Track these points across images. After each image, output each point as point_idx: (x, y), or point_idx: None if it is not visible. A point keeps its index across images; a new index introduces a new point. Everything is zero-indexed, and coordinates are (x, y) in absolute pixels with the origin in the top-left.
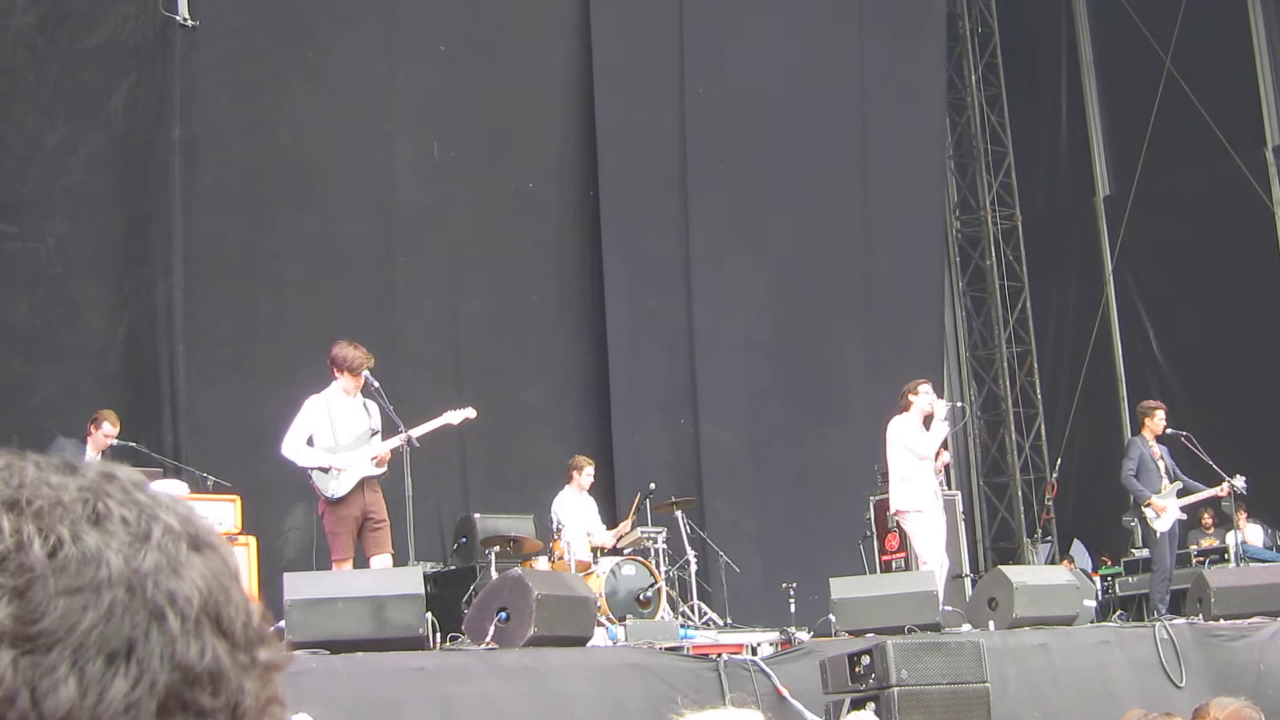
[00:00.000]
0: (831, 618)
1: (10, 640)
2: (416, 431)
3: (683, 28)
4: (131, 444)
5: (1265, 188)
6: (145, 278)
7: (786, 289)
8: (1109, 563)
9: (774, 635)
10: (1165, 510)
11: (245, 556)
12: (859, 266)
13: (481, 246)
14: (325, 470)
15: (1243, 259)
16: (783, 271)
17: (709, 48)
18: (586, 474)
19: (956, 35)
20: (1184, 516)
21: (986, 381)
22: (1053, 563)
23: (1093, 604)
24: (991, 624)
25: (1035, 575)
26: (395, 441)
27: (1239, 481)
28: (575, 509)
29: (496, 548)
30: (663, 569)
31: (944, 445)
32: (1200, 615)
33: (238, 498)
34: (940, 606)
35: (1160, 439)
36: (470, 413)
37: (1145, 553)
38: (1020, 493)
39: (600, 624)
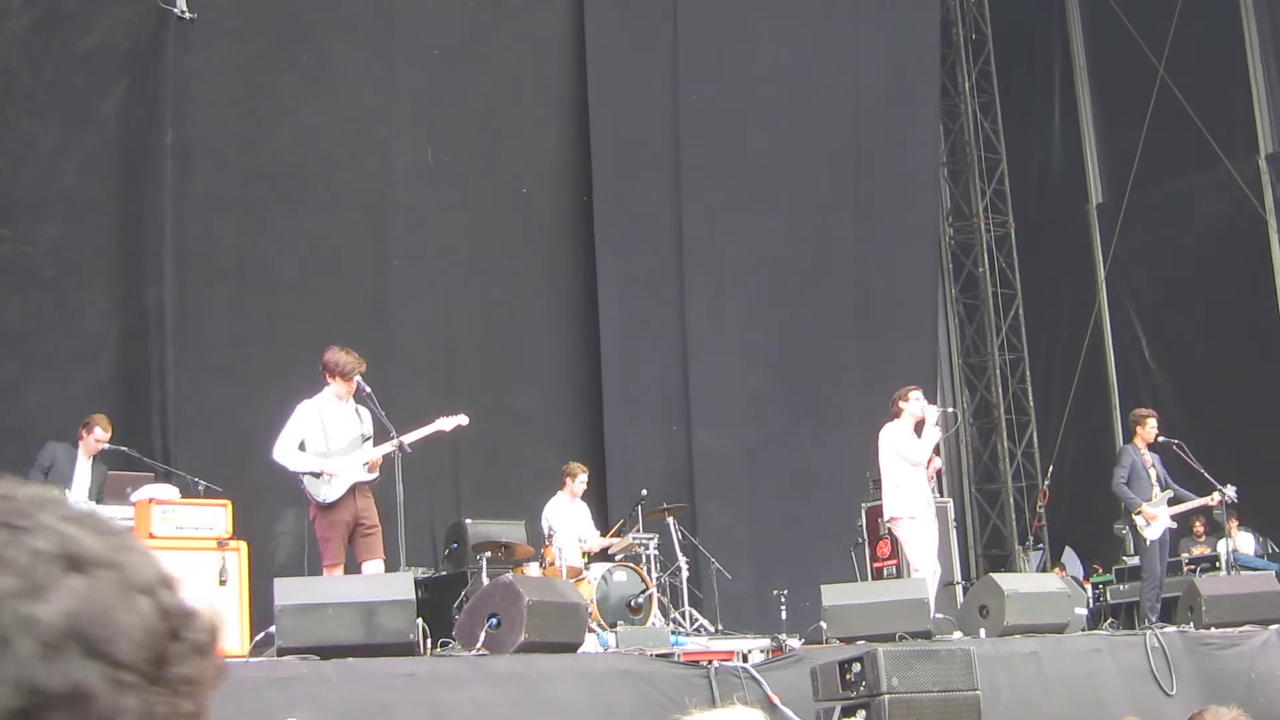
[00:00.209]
0: (822, 625)
1: None
2: (408, 437)
3: (677, 33)
4: (123, 448)
5: (1258, 195)
6: (137, 282)
7: (780, 295)
8: (1100, 570)
9: (765, 642)
10: (1156, 518)
11: (236, 562)
12: (852, 273)
13: (475, 250)
14: (317, 475)
15: (1236, 267)
16: (776, 277)
17: (703, 52)
18: (580, 481)
19: (950, 42)
20: (1174, 525)
21: (979, 388)
22: (1044, 570)
23: (1084, 612)
24: (983, 631)
25: (1026, 583)
26: (387, 447)
27: (1230, 491)
28: (567, 515)
29: (488, 553)
30: (654, 575)
31: (936, 451)
32: (1191, 623)
33: (229, 502)
34: (931, 614)
35: (1152, 447)
36: (463, 419)
37: (1137, 560)
38: (1012, 500)
39: (591, 630)
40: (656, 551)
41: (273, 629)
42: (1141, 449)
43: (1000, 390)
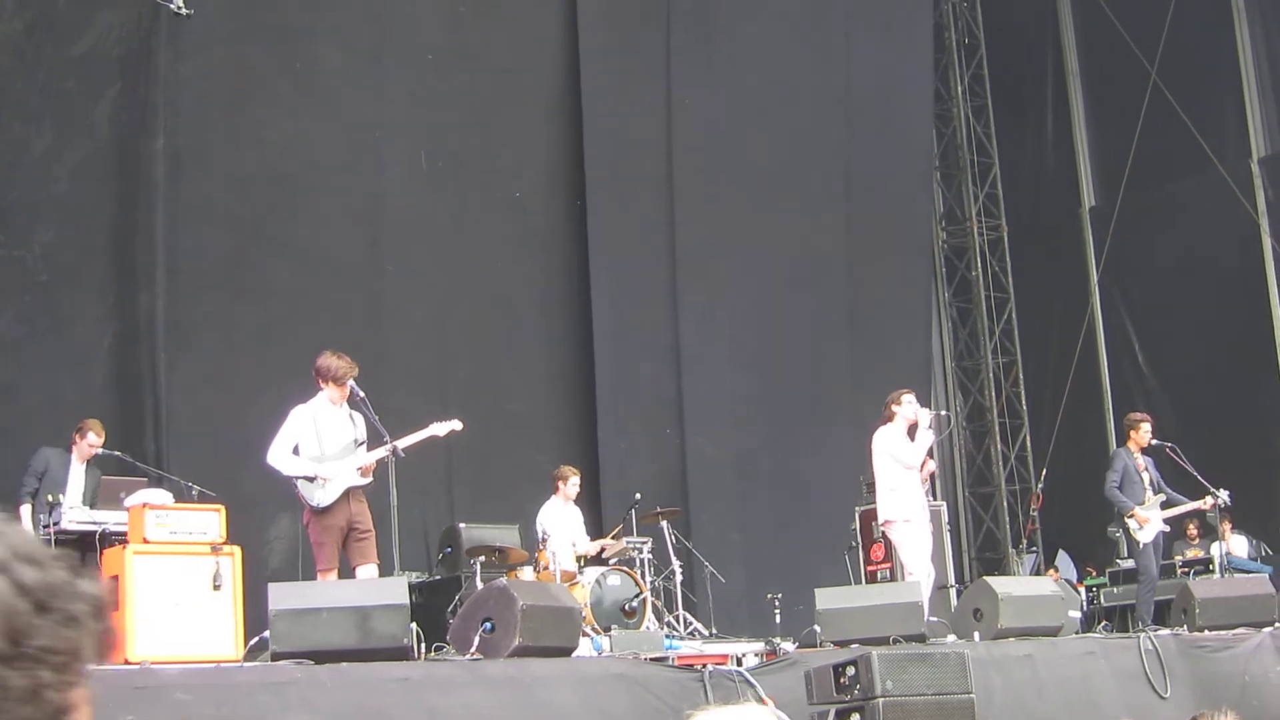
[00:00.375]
0: (816, 628)
1: None
2: (402, 442)
3: (669, 38)
4: (116, 453)
5: (1250, 199)
6: (130, 287)
7: (773, 299)
8: (1094, 573)
9: (759, 646)
10: (1148, 521)
11: (230, 567)
12: (845, 277)
13: (468, 255)
14: (311, 480)
15: (1228, 270)
16: (769, 281)
17: (696, 57)
18: (572, 484)
19: (943, 46)
20: (1167, 528)
21: (972, 392)
22: (1038, 573)
23: (1078, 615)
24: (976, 635)
25: (1020, 586)
26: (381, 452)
27: (1223, 495)
28: (561, 519)
29: (482, 558)
30: (648, 579)
31: (929, 454)
32: (1185, 626)
33: (222, 508)
34: (925, 617)
35: (1146, 450)
36: (456, 425)
37: (1130, 564)
38: (1005, 503)
39: (585, 634)
40: (650, 555)
41: (267, 634)
42: (1135, 453)
43: (993, 394)
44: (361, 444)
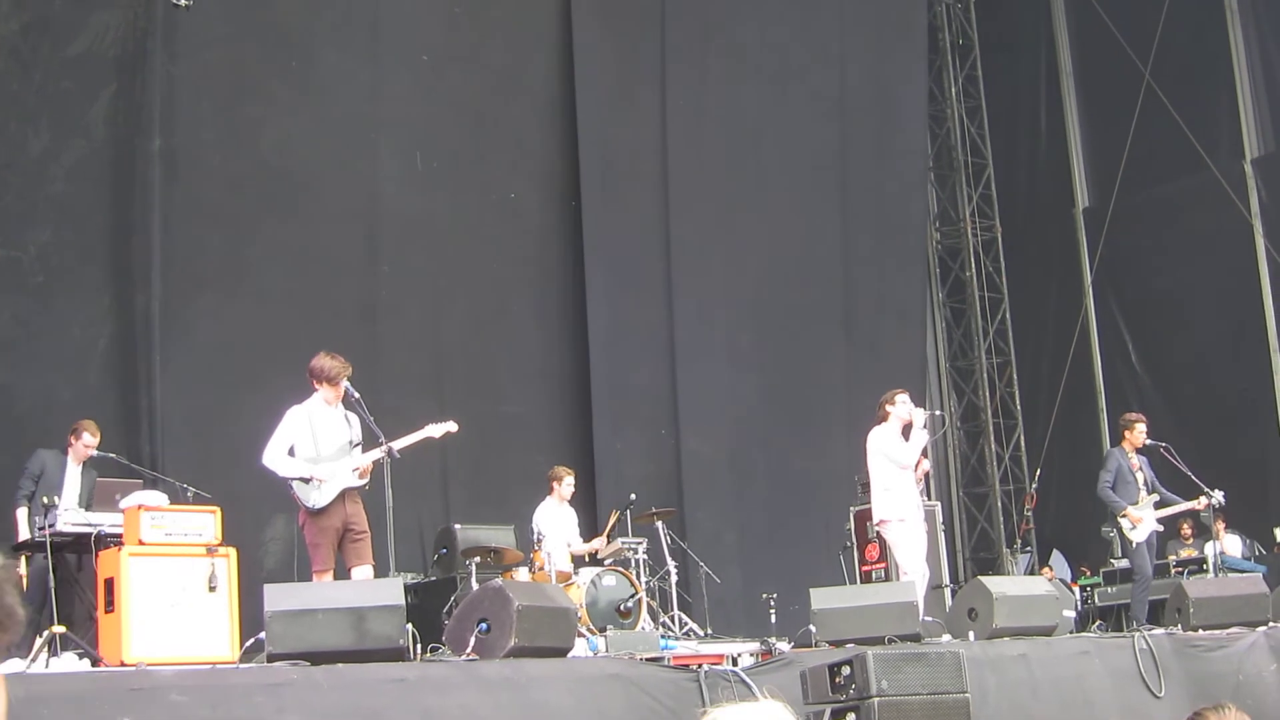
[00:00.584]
0: (812, 628)
1: None
2: (397, 444)
3: (664, 39)
4: (111, 455)
5: (1244, 199)
6: (126, 288)
7: (767, 300)
8: (1088, 573)
9: (754, 646)
10: (1141, 521)
11: (225, 568)
12: (840, 278)
13: (464, 256)
14: (306, 481)
15: (1222, 271)
16: (764, 282)
17: (690, 58)
18: (567, 485)
19: (937, 47)
20: (1161, 528)
21: (966, 392)
22: (1032, 573)
23: (1072, 614)
24: (971, 634)
25: (1015, 586)
26: (376, 453)
27: (1217, 496)
28: (556, 520)
29: (477, 558)
30: (643, 580)
31: (924, 453)
32: (1179, 626)
33: (218, 509)
34: (920, 617)
35: (1140, 450)
36: (451, 426)
37: (1124, 563)
38: (1000, 503)
39: (581, 635)
40: (645, 556)
41: (263, 635)
42: (1129, 452)
43: (987, 394)
44: (357, 445)
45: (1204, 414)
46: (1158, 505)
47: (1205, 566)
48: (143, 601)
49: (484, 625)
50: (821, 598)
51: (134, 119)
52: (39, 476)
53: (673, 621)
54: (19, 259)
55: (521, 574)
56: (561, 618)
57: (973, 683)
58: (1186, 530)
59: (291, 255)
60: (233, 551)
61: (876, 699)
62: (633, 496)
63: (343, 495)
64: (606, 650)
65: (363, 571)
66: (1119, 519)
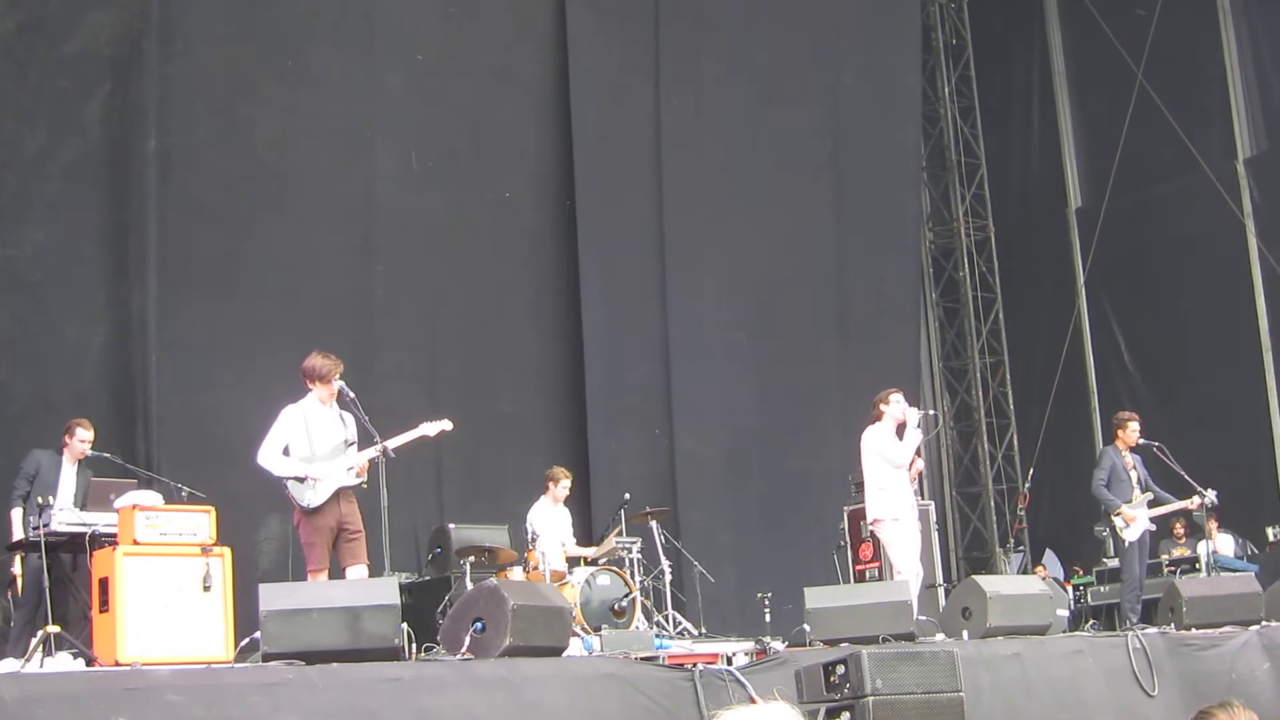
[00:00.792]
0: (806, 627)
1: None
2: (392, 443)
3: (658, 38)
4: (105, 455)
5: (1236, 200)
6: (121, 287)
7: (762, 299)
8: (1081, 572)
9: (749, 645)
10: (1135, 520)
11: (220, 568)
12: (834, 277)
13: (459, 255)
14: (301, 480)
15: (1214, 271)
16: (758, 282)
17: (685, 58)
18: (563, 486)
19: (930, 47)
20: (1153, 527)
21: (959, 392)
22: (1025, 572)
23: (1065, 613)
24: (965, 633)
25: (1009, 585)
26: (371, 452)
27: (1209, 495)
28: (550, 520)
29: (471, 558)
30: (637, 579)
31: (917, 453)
32: (1172, 624)
33: (212, 509)
34: (914, 616)
35: (1133, 449)
36: (446, 425)
37: (1117, 562)
38: (993, 502)
39: (575, 634)
40: (640, 555)
41: (258, 634)
42: (1122, 451)
43: (980, 393)
44: (352, 444)
45: (1196, 413)
46: (1151, 504)
47: (1198, 565)
48: (137, 601)
49: (479, 624)
50: (816, 597)
51: (129, 118)
52: (34, 476)
53: (667, 621)
54: (14, 258)
55: (516, 573)
56: (556, 617)
57: (967, 682)
58: (1179, 529)
59: (287, 254)
60: (227, 551)
61: (871, 698)
62: (627, 496)
63: (337, 495)
64: (601, 650)
65: (357, 571)
66: (1113, 517)
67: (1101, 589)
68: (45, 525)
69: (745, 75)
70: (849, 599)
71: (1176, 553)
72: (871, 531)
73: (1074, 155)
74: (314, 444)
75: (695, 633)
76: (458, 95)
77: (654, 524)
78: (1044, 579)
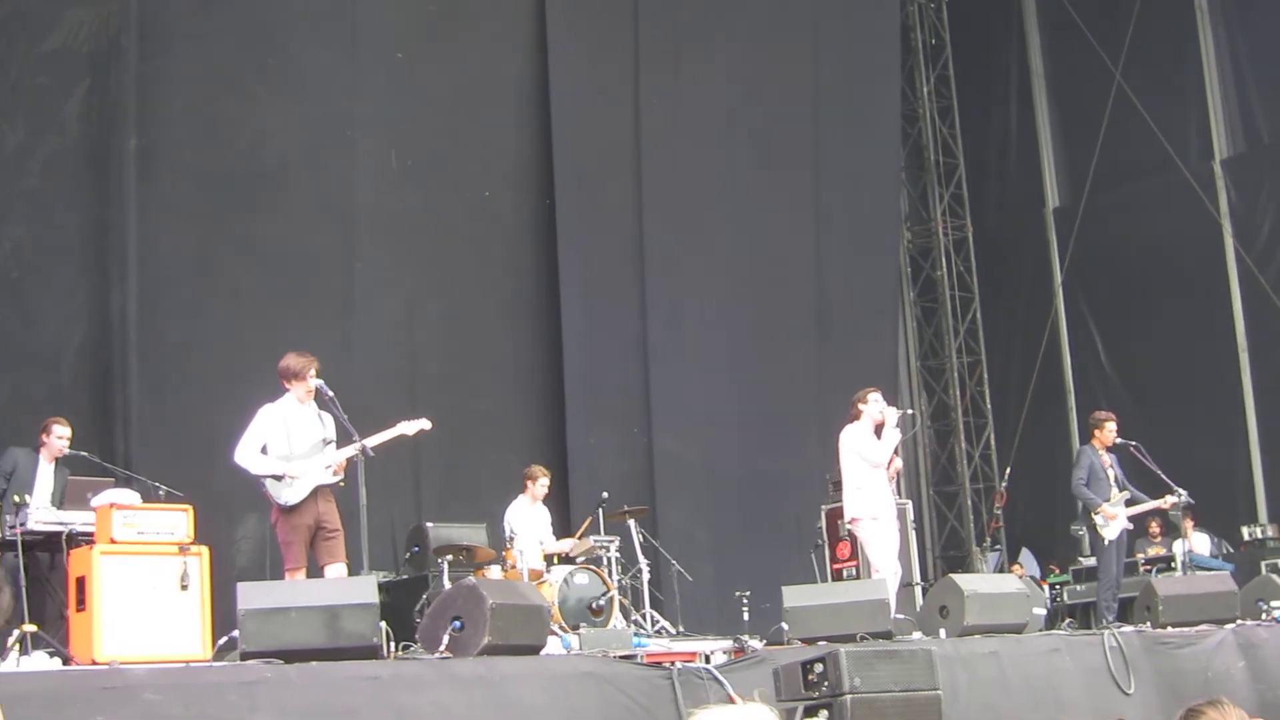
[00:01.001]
0: (784, 626)
1: None
2: (371, 441)
3: (638, 38)
4: (83, 454)
5: (1213, 200)
6: (100, 285)
7: (740, 298)
8: (1057, 571)
9: (727, 643)
10: (1115, 517)
11: (198, 566)
12: (812, 277)
13: (438, 254)
14: (279, 478)
15: (1191, 270)
16: (736, 281)
17: (664, 58)
18: (541, 484)
19: (909, 47)
20: (1130, 526)
21: (937, 391)
22: (1001, 571)
23: (1042, 612)
24: (942, 632)
25: (986, 583)
26: (350, 450)
27: (1183, 495)
28: (528, 518)
29: (449, 557)
30: (615, 578)
31: (896, 452)
32: (1148, 623)
33: (190, 507)
34: (892, 614)
35: (1110, 449)
36: (425, 424)
37: (1093, 561)
38: (970, 501)
39: (554, 633)
40: (618, 554)
41: (236, 633)
42: (1100, 451)
43: (958, 393)
44: (330, 443)
45: (1172, 413)
46: (1128, 503)
47: (1174, 564)
48: (114, 600)
49: (458, 623)
50: (794, 595)
51: (109, 115)
52: (10, 474)
53: (645, 619)
54: None
55: (494, 572)
56: (535, 615)
57: (944, 680)
58: (1155, 529)
59: (267, 253)
60: (205, 550)
61: (849, 696)
62: (605, 495)
63: (315, 493)
64: (580, 648)
65: (336, 570)
66: (1093, 515)
67: (1078, 587)
68: (22, 524)
69: (724, 75)
70: (827, 598)
71: (1152, 552)
72: (849, 530)
73: (1052, 155)
74: (292, 443)
75: (673, 631)
76: (438, 94)
77: (632, 522)
78: (1021, 577)
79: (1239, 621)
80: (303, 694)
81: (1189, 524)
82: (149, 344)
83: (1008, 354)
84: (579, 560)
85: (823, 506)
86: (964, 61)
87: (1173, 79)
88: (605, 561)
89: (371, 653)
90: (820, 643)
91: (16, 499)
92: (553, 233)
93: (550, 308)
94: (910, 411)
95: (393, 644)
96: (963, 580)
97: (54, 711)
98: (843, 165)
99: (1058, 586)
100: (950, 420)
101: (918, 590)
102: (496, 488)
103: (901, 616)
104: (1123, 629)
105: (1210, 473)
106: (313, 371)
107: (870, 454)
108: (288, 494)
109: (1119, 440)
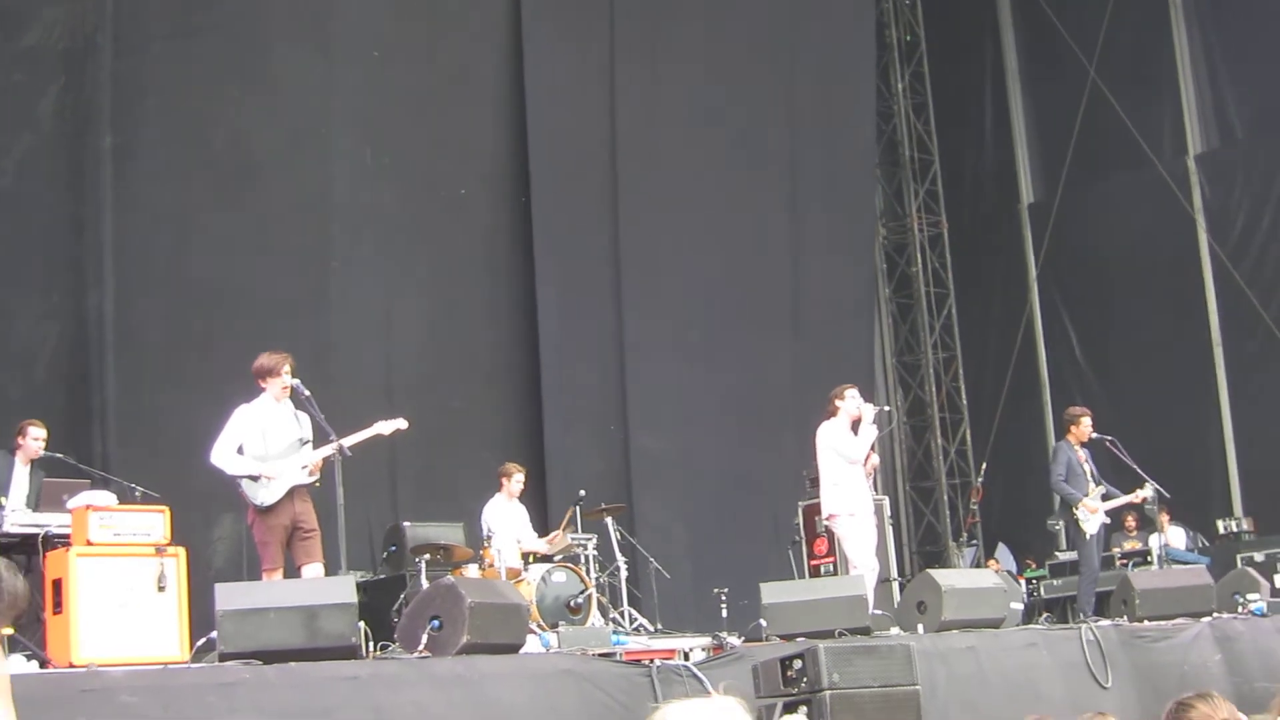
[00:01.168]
0: (762, 622)
1: None
2: (348, 440)
3: (613, 36)
4: (59, 455)
5: (1187, 195)
6: (76, 285)
7: (717, 296)
8: (1033, 565)
9: (706, 640)
10: (1096, 512)
11: (174, 568)
12: (789, 274)
13: (414, 252)
14: (255, 478)
15: (1165, 266)
16: (712, 279)
17: (639, 55)
18: (516, 481)
19: (884, 44)
20: (1108, 520)
21: (912, 387)
22: (978, 566)
23: (1019, 607)
24: (920, 627)
25: (963, 579)
26: (327, 450)
27: (1150, 487)
28: (505, 516)
29: (426, 556)
30: (593, 575)
31: (872, 448)
32: (1125, 617)
33: (167, 509)
34: (870, 610)
35: (1085, 444)
36: (401, 423)
37: (1070, 555)
38: (946, 497)
39: (532, 631)
40: (595, 552)
41: (214, 634)
42: (1075, 446)
43: (934, 388)
44: (306, 443)
45: (1147, 407)
46: (1104, 498)
47: (1150, 558)
48: (91, 602)
49: (436, 622)
50: (771, 592)
51: (84, 113)
52: None
53: (623, 617)
54: None
55: (471, 571)
56: (513, 614)
57: (923, 675)
58: (1131, 523)
59: (243, 251)
60: (182, 551)
61: (828, 692)
62: (582, 493)
63: (291, 493)
64: (559, 646)
65: (313, 570)
66: (1075, 510)
67: (1054, 582)
68: None
69: (700, 73)
70: (805, 594)
71: (1128, 546)
72: (827, 526)
73: (1026, 151)
74: (268, 443)
75: (652, 629)
76: (414, 92)
77: (609, 520)
78: (997, 572)
79: (1215, 615)
80: (281, 695)
81: (1164, 518)
82: (126, 343)
83: (983, 350)
84: (557, 558)
85: (800, 503)
86: (939, 58)
87: (1147, 75)
88: (583, 559)
89: (350, 653)
90: (799, 639)
91: None
92: (529, 231)
93: (526, 306)
94: (887, 408)
95: (371, 644)
96: (940, 575)
97: (32, 714)
98: (818, 162)
99: (1034, 581)
100: (926, 416)
101: (895, 586)
102: (473, 487)
103: (879, 612)
104: (1100, 623)
105: (1185, 467)
106: (287, 368)
107: (847, 450)
108: (264, 494)
109: (1095, 435)
